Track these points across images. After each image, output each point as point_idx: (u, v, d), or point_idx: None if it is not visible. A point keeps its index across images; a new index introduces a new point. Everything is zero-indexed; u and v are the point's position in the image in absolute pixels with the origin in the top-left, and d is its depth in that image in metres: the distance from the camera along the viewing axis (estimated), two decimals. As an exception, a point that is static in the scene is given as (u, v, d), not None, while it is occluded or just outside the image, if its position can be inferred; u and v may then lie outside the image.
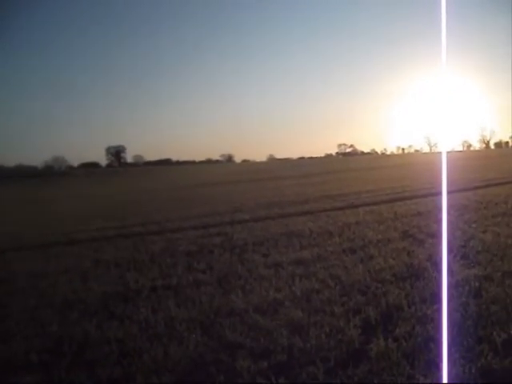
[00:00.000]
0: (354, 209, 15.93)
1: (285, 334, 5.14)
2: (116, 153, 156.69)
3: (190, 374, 4.54)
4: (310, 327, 5.29)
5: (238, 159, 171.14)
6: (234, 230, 12.88)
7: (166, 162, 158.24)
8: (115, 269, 9.09)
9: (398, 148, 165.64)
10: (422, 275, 6.87)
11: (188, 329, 5.57)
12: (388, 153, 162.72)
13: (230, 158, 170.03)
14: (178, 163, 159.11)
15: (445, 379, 3.81)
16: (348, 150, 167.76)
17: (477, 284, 6.26)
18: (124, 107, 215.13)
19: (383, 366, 4.31)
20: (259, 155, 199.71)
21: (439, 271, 6.88)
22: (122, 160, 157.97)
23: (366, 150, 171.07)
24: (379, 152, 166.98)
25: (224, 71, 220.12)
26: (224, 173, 78.68)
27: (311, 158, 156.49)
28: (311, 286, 6.82)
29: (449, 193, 16.53)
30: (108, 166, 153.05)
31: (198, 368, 4.61)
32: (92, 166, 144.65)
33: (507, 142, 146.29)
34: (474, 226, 10.44)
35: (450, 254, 7.65)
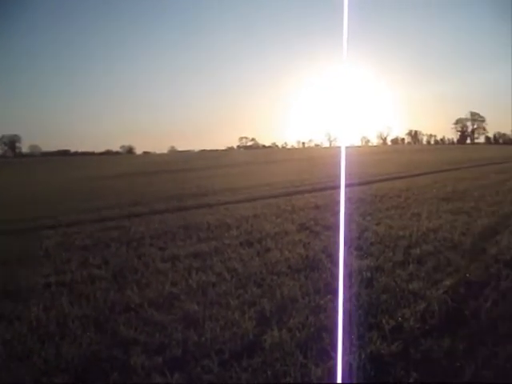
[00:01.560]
0: (253, 202, 16.14)
1: (180, 328, 5.16)
2: (10, 143, 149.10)
3: (84, 373, 4.43)
4: (206, 320, 5.34)
5: (138, 151, 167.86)
6: (131, 223, 12.64)
7: (64, 153, 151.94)
8: (4, 266, 8.64)
9: (299, 142, 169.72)
10: (316, 267, 7.14)
11: (82, 326, 5.42)
12: (288, 147, 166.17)
13: (130, 150, 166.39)
14: (77, 154, 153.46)
15: (337, 366, 3.99)
16: (249, 143, 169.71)
17: (369, 274, 6.62)
18: (20, 96, 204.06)
19: (277, 356, 4.44)
20: (160, 147, 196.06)
21: (333, 262, 7.18)
22: (17, 150, 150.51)
23: (267, 143, 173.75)
24: (280, 146, 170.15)
25: (123, 61, 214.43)
26: (124, 164, 76.61)
27: (213, 150, 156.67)
28: (207, 279, 6.88)
29: (346, 186, 17.17)
30: (1, 156, 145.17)
31: (92, 366, 4.51)
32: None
33: (403, 139, 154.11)
34: (368, 218, 11.00)
35: (344, 245, 7.97)
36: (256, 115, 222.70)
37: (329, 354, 4.37)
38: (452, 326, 4.99)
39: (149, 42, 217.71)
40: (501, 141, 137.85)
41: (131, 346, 4.82)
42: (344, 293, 5.74)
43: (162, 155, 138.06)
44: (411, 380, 3.98)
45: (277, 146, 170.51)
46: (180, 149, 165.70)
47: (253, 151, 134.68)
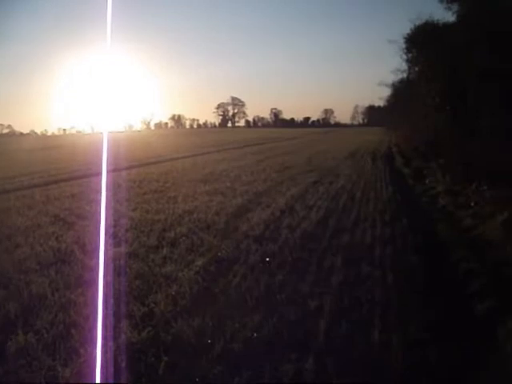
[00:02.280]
0: (5, 194, 14.90)
1: None
2: None
3: None
4: None
5: None
6: None
7: None
8: None
9: (60, 129, 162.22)
10: (68, 260, 6.88)
11: None
12: (49, 134, 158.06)
13: None
14: None
15: (91, 363, 3.86)
16: (5, 130, 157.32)
17: (122, 262, 6.55)
18: None
19: (22, 363, 4.11)
20: None
21: (86, 253, 6.96)
22: None
23: (25, 130, 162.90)
24: (39, 133, 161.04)
25: None
26: None
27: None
28: None
29: (106, 173, 16.80)
30: None
31: None
32: None
33: (166, 123, 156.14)
34: (125, 204, 10.90)
35: (99, 234, 7.75)
36: (11, 101, 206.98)
37: (78, 352, 4.20)
38: (202, 305, 5.15)
39: None
40: (259, 124, 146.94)
41: None
42: (96, 284, 5.59)
43: None
44: (162, 364, 4.00)
45: (35, 133, 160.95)
46: None
47: (8, 139, 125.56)
